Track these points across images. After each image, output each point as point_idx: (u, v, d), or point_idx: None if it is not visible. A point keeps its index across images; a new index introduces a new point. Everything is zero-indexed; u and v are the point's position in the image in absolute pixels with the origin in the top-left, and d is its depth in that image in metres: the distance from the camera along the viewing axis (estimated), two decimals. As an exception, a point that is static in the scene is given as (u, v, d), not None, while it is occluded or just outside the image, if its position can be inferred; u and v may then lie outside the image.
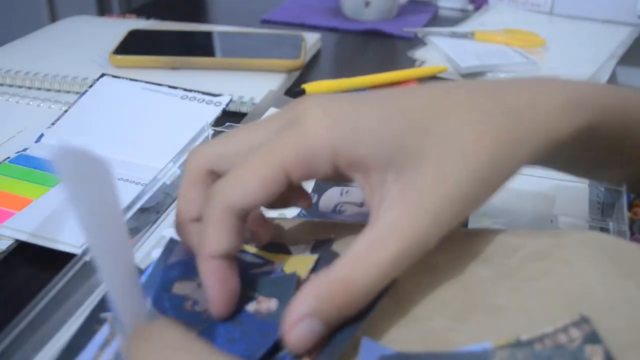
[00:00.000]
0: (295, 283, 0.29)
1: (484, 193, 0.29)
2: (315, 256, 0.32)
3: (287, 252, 0.33)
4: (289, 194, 0.33)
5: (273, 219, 0.38)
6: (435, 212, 0.27)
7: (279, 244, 0.34)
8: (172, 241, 0.32)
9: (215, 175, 0.31)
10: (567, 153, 0.32)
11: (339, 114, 0.29)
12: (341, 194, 0.41)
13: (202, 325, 0.28)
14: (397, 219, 0.27)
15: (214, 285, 0.28)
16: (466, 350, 0.26)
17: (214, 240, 0.29)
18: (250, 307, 0.29)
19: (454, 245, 0.32)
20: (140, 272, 0.32)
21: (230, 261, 0.29)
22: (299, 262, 0.32)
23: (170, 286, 0.30)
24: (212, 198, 0.29)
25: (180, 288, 0.29)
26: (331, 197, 0.41)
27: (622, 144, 0.34)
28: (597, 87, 0.32)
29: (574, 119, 0.30)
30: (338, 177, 0.30)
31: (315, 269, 0.31)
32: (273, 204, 0.33)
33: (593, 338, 0.25)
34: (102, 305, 0.32)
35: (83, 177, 0.23)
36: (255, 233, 0.34)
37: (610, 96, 0.32)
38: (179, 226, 0.31)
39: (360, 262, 0.27)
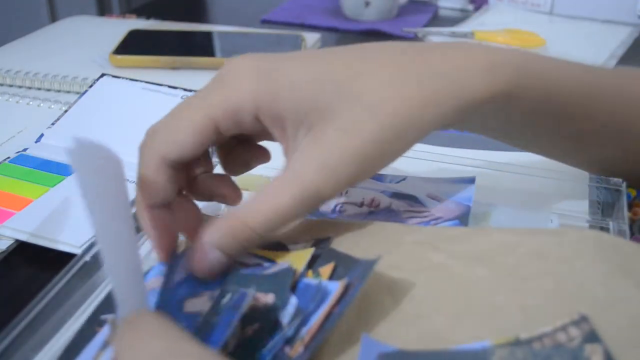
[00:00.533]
0: (292, 277, 0.29)
1: (390, 152, 0.31)
2: (312, 249, 0.32)
3: (286, 251, 0.33)
4: (247, 153, 0.36)
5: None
6: (335, 166, 0.29)
7: (277, 242, 0.34)
8: (177, 258, 0.32)
9: (167, 160, 0.32)
10: (484, 117, 0.33)
11: (263, 71, 0.31)
12: (341, 193, 0.41)
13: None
14: (299, 169, 0.30)
15: (155, 233, 0.31)
16: (465, 349, 0.26)
17: (151, 191, 0.31)
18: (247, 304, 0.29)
19: (453, 244, 0.32)
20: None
21: (168, 209, 0.32)
22: (294, 256, 0.32)
23: (182, 306, 0.30)
24: (145, 147, 0.32)
25: (192, 305, 0.30)
26: (331, 197, 0.41)
27: (540, 111, 0.34)
28: (519, 54, 0.33)
29: (491, 82, 0.31)
30: (262, 133, 0.32)
31: (311, 262, 0.31)
32: (233, 167, 0.35)
33: (592, 337, 0.25)
34: (103, 306, 0.32)
35: (96, 171, 0.23)
36: (226, 197, 0.35)
37: (532, 62, 0.33)
38: (137, 214, 0.33)
39: (260, 204, 0.30)
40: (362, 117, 0.29)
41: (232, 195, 0.35)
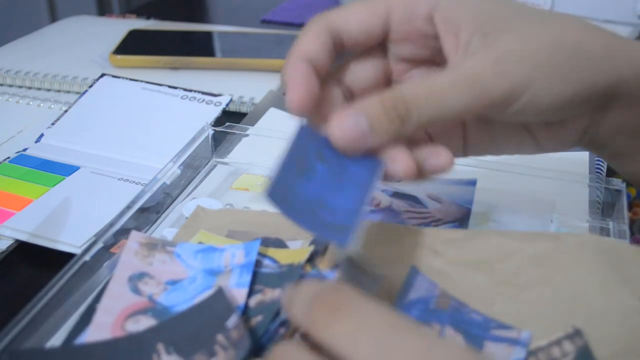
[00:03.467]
0: (299, 274, 0.30)
1: (561, 65, 0.29)
2: (310, 247, 0.32)
3: (286, 249, 0.33)
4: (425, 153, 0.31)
5: (272, 213, 0.38)
6: (509, 65, 0.28)
7: (276, 239, 0.34)
8: (413, 271, 0.31)
9: (334, 34, 0.31)
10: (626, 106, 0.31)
11: None
12: None
13: None
14: (469, 61, 0.28)
15: (297, 80, 0.30)
16: None
17: (305, 44, 0.31)
18: (254, 299, 0.29)
19: (452, 248, 0.32)
20: None
21: (314, 71, 0.30)
22: (295, 254, 0.32)
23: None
24: (317, 17, 0.31)
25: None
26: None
27: None
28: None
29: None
30: (425, 41, 0.31)
31: (310, 260, 0.31)
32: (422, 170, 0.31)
33: (585, 353, 0.25)
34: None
35: None
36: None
37: None
38: (284, 67, 0.32)
39: (417, 81, 0.28)
40: (539, 29, 0.29)
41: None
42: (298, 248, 0.33)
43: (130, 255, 0.32)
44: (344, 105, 0.29)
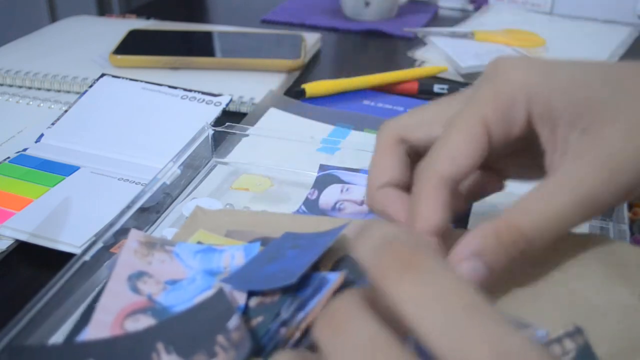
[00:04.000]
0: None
1: None
2: None
3: None
4: (482, 179, 0.33)
5: (273, 214, 0.38)
6: (618, 168, 0.26)
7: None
8: None
9: (406, 144, 0.31)
10: None
11: (534, 66, 0.29)
12: (341, 191, 0.41)
13: None
14: (577, 169, 0.26)
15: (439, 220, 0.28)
16: None
17: (426, 215, 0.28)
18: (254, 300, 0.29)
19: (451, 246, 0.32)
20: None
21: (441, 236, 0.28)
22: None
23: None
24: (421, 172, 0.29)
25: None
26: (331, 194, 0.41)
27: None
28: None
29: None
30: (525, 139, 0.29)
31: None
32: (472, 194, 0.32)
33: (586, 351, 0.25)
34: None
35: None
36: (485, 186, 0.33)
37: None
38: (369, 194, 0.31)
39: (530, 206, 0.26)
40: None
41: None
42: None
43: (129, 254, 0.32)
44: (457, 242, 0.27)
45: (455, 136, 0.28)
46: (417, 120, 0.31)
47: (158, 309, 0.30)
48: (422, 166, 0.29)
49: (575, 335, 0.26)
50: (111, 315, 0.29)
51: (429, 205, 0.28)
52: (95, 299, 0.31)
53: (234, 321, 0.27)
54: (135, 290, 0.30)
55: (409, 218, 0.29)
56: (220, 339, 0.27)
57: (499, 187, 0.33)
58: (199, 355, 0.26)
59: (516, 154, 0.31)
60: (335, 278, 0.28)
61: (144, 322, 0.29)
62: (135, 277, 0.31)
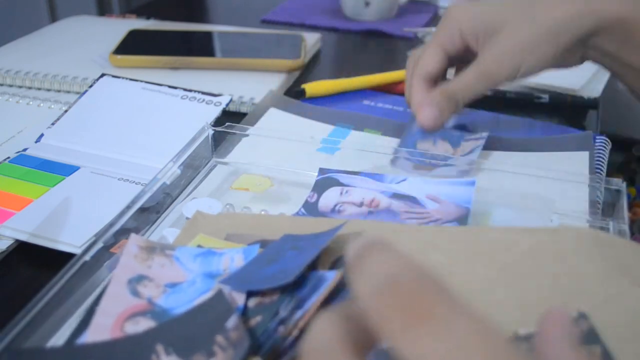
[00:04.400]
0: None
1: (542, 50, 0.45)
2: None
3: None
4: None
5: (272, 216, 0.38)
6: (503, 53, 0.46)
7: None
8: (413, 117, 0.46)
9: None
10: (608, 41, 0.45)
11: (466, 7, 0.49)
12: (341, 193, 0.41)
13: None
14: (481, 57, 0.47)
15: (420, 95, 0.48)
16: None
17: (415, 96, 0.48)
18: (253, 300, 0.29)
19: (451, 243, 0.32)
20: None
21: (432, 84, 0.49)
22: None
23: (415, 144, 0.49)
24: (411, 75, 0.50)
25: (422, 145, 0.49)
26: (331, 196, 0.41)
27: None
28: None
29: (620, 8, 0.44)
30: (463, 50, 0.49)
31: None
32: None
33: (591, 335, 0.25)
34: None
35: None
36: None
37: None
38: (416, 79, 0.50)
39: (456, 79, 0.48)
40: (524, 25, 0.45)
41: None
42: None
43: (129, 258, 0.32)
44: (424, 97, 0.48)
45: (427, 53, 0.49)
46: (448, 33, 0.50)
47: (158, 311, 0.30)
48: (412, 72, 0.50)
49: (580, 320, 0.26)
50: (111, 319, 0.29)
51: (416, 91, 0.49)
52: (96, 301, 0.31)
53: (232, 321, 0.27)
54: (136, 293, 0.30)
55: (408, 98, 0.50)
56: (219, 338, 0.27)
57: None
58: (198, 356, 0.26)
59: (461, 60, 0.51)
60: (332, 277, 0.28)
61: (144, 324, 0.29)
62: (136, 281, 0.31)
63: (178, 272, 0.32)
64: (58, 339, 0.31)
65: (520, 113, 0.58)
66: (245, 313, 0.29)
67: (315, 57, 0.74)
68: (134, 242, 0.33)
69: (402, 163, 0.47)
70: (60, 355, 0.28)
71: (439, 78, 0.51)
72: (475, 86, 0.47)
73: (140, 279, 0.31)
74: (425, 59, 0.49)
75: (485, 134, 0.50)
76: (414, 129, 0.49)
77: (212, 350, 0.26)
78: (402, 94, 0.64)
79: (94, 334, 0.28)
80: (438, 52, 0.49)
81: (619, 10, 0.44)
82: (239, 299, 0.29)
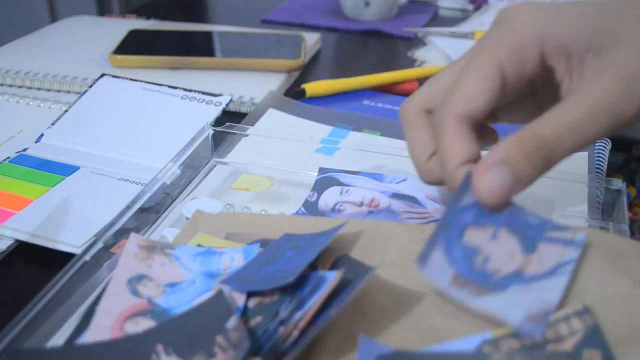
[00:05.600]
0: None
1: None
2: None
3: None
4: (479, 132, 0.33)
5: (272, 215, 0.38)
6: (631, 77, 0.28)
7: None
8: (469, 177, 0.29)
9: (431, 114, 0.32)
10: None
11: (541, 9, 0.31)
12: (341, 193, 0.41)
13: (489, 286, 0.26)
14: (594, 85, 0.28)
15: (466, 149, 0.30)
16: (464, 344, 0.26)
17: (452, 151, 0.29)
18: (253, 300, 0.29)
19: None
20: None
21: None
22: None
23: (462, 232, 0.28)
24: (438, 113, 0.30)
25: (473, 236, 0.28)
26: (331, 196, 0.41)
27: None
28: None
29: None
30: (541, 74, 0.31)
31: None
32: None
33: (594, 332, 0.25)
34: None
35: None
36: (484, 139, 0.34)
37: None
38: (420, 170, 0.32)
39: (551, 117, 0.28)
40: None
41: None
42: None
43: (129, 257, 0.32)
44: (482, 158, 0.29)
45: (471, 76, 0.30)
46: (436, 88, 0.32)
47: (158, 311, 0.30)
48: (439, 109, 0.30)
49: (583, 315, 0.26)
50: (111, 319, 0.29)
51: (454, 141, 0.29)
52: (96, 301, 0.31)
53: (232, 321, 0.27)
54: (135, 293, 0.30)
55: (440, 164, 0.30)
56: (219, 339, 0.27)
57: (494, 140, 0.34)
58: (198, 356, 0.26)
59: (522, 99, 0.34)
60: (332, 277, 0.28)
61: (144, 324, 0.29)
62: (135, 280, 0.31)
63: (178, 272, 0.32)
64: (58, 339, 0.31)
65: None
66: (245, 313, 0.29)
67: (315, 57, 0.74)
68: (134, 241, 0.33)
69: (437, 268, 0.27)
70: (60, 355, 0.28)
71: (485, 120, 0.33)
72: (587, 129, 0.28)
73: (140, 278, 0.31)
74: (469, 86, 0.30)
75: (582, 236, 0.30)
76: (462, 203, 0.29)
77: (212, 350, 0.26)
78: (402, 94, 0.64)
79: (94, 334, 0.28)
80: (493, 75, 0.30)
81: None
82: (239, 299, 0.29)
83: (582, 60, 0.30)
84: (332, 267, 0.31)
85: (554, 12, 0.30)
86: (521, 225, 0.29)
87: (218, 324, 0.27)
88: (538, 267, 0.27)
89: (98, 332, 0.28)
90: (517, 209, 0.30)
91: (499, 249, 0.28)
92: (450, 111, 0.30)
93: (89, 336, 0.28)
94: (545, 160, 0.28)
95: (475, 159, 0.30)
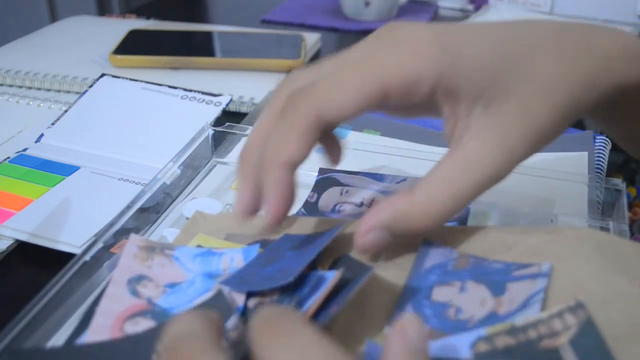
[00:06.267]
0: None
1: (557, 131, 0.30)
2: None
3: None
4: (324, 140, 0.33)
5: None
6: (515, 147, 0.29)
7: None
8: (425, 243, 0.32)
9: (324, 125, 0.30)
10: (626, 103, 0.33)
11: (443, 41, 0.29)
12: (341, 193, 0.41)
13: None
14: (479, 149, 0.29)
15: (279, 196, 0.29)
16: (459, 341, 0.26)
17: (293, 149, 0.28)
18: (253, 301, 0.29)
19: (451, 243, 0.32)
20: None
21: (294, 173, 0.30)
22: None
23: (430, 292, 0.29)
24: (299, 104, 0.28)
25: (441, 294, 0.29)
26: (331, 196, 0.41)
27: None
28: None
29: (632, 70, 0.31)
30: (423, 106, 0.31)
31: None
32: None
33: (588, 326, 0.25)
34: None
35: None
36: (329, 151, 0.33)
37: None
38: (245, 147, 0.31)
39: (439, 190, 0.29)
40: (537, 97, 0.29)
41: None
42: None
43: (129, 258, 0.32)
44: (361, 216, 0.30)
45: (347, 86, 0.28)
46: (336, 92, 0.29)
47: (157, 311, 0.30)
48: (302, 99, 0.29)
49: (576, 309, 0.26)
50: (111, 319, 0.29)
51: (298, 143, 0.29)
52: (96, 301, 0.31)
53: (232, 321, 0.27)
54: (135, 293, 0.30)
55: (274, 146, 0.29)
56: None
57: (337, 154, 0.34)
58: None
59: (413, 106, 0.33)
60: (332, 276, 0.28)
61: (144, 324, 0.29)
62: (135, 281, 0.31)
63: (178, 272, 0.32)
64: (58, 339, 0.31)
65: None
66: (245, 313, 0.29)
67: (315, 57, 0.74)
68: (133, 242, 0.33)
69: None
70: (60, 355, 0.28)
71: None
72: (469, 196, 0.29)
73: (140, 279, 0.31)
74: (344, 97, 0.28)
75: (547, 266, 0.29)
76: (424, 268, 0.30)
77: None
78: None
79: (94, 334, 0.28)
80: (373, 93, 0.28)
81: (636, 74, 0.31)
82: (239, 299, 0.29)
83: (470, 111, 0.29)
84: (332, 266, 0.31)
85: (455, 48, 0.29)
86: (486, 274, 0.29)
87: None
88: (510, 305, 0.28)
89: (98, 332, 0.28)
90: (481, 260, 0.30)
91: (469, 299, 0.28)
92: (312, 110, 0.28)
93: (89, 336, 0.28)
94: (426, 227, 0.29)
95: (303, 162, 0.30)
